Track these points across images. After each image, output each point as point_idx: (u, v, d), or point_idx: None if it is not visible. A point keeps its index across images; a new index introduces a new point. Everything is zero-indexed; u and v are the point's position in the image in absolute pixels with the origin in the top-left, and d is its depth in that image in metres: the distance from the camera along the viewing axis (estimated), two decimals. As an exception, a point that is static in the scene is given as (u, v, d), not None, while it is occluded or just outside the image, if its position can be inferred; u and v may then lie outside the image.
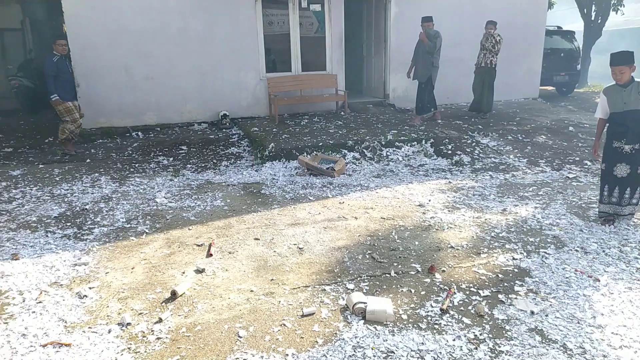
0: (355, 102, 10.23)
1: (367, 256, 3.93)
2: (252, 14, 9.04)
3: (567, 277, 3.55)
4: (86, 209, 5.09)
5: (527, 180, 6.02)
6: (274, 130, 8.21)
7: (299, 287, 3.45)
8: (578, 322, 3.00)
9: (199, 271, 3.70)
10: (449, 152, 7.15)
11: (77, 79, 8.39)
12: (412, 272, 3.66)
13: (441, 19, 9.82)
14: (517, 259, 3.86)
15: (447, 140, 7.49)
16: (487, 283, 3.50)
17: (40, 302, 3.27)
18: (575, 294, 3.32)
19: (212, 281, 3.56)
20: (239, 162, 7.02)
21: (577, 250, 4.00)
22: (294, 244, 4.18)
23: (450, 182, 5.98)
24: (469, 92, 10.04)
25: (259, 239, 4.30)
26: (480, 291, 3.38)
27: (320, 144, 7.16)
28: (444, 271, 3.68)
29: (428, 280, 3.54)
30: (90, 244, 4.22)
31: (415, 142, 7.35)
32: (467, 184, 5.87)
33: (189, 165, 6.81)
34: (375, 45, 10.77)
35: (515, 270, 3.70)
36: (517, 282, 3.51)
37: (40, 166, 6.81)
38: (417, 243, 4.18)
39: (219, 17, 8.86)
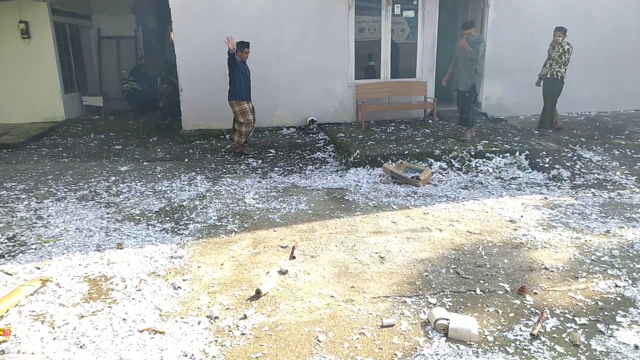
0: (444, 110, 9.96)
1: (451, 271, 3.81)
2: (344, 22, 9.15)
3: (681, 312, 3.17)
4: (183, 205, 5.47)
5: (636, 200, 5.47)
6: (360, 136, 8.24)
7: (379, 297, 3.43)
8: (694, 365, 2.67)
9: (282, 272, 3.81)
10: (546, 165, 6.70)
11: (181, 84, 9.06)
12: (500, 292, 3.48)
13: (543, 26, 9.27)
14: (620, 287, 3.52)
15: (544, 152, 7.03)
16: (584, 310, 3.23)
17: (139, 290, 3.57)
18: (691, 332, 2.96)
19: (294, 283, 3.65)
20: (324, 167, 7.13)
21: (695, 283, 3.56)
22: (376, 253, 4.16)
23: (546, 197, 5.61)
24: (567, 102, 9.39)
25: (340, 245, 4.33)
26: (577, 318, 3.12)
27: (406, 152, 7.06)
28: (535, 293, 3.45)
29: (517, 301, 3.35)
30: (185, 239, 4.52)
31: (508, 154, 6.98)
32: (566, 201, 5.46)
33: (276, 168, 7.05)
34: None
35: (618, 298, 3.37)
36: (619, 311, 3.20)
37: (145, 163, 7.43)
38: (506, 261, 3.97)
39: (312, 26, 9.09)
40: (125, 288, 3.59)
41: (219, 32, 8.83)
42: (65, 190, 6.08)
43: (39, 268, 3.92)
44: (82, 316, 3.22)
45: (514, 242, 4.36)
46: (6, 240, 4.51)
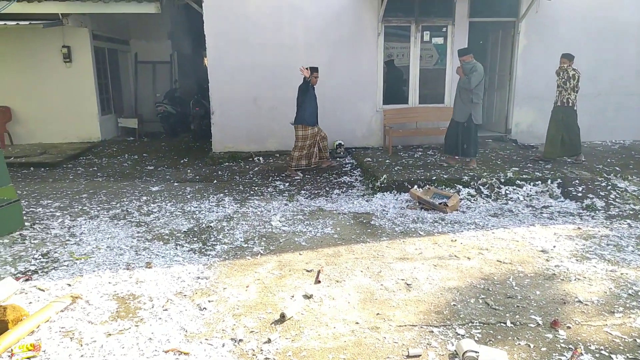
0: (473, 136, 9.85)
1: (481, 301, 3.71)
2: (373, 48, 9.27)
3: None
4: (211, 226, 5.54)
5: (677, 232, 5.25)
6: (387, 161, 8.22)
7: (405, 325, 3.36)
8: None
9: (307, 297, 3.79)
10: (579, 194, 6.52)
11: (213, 107, 9.29)
12: (532, 325, 3.36)
13: (575, 53, 9.18)
14: (661, 324, 3.36)
15: (577, 181, 6.85)
16: (621, 347, 3.08)
17: (166, 309, 3.60)
18: None
19: (319, 308, 3.62)
20: (350, 191, 7.13)
21: None
22: (402, 279, 4.10)
23: (579, 228, 5.44)
24: (601, 130, 9.20)
25: (366, 271, 4.29)
26: (613, 356, 2.98)
27: (434, 177, 7.00)
28: (569, 328, 3.32)
29: (550, 335, 3.23)
30: (212, 260, 4.57)
31: (540, 182, 6.83)
32: (600, 232, 5.28)
33: (302, 192, 7.08)
34: (498, 78, 10.35)
35: (659, 337, 3.21)
36: (660, 351, 3.05)
37: (175, 184, 7.59)
38: (538, 293, 3.85)
39: (342, 52, 9.23)
40: (153, 307, 3.63)
41: (251, 58, 9.09)
42: (99, 208, 6.25)
43: (70, 285, 4.01)
44: (110, 334, 3.26)
45: (546, 273, 4.23)
46: (40, 257, 4.64)
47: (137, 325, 3.37)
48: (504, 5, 9.40)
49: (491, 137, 10.00)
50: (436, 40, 9.57)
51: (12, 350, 3.04)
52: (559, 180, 6.84)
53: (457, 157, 7.82)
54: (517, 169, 7.41)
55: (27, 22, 9.43)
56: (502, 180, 6.86)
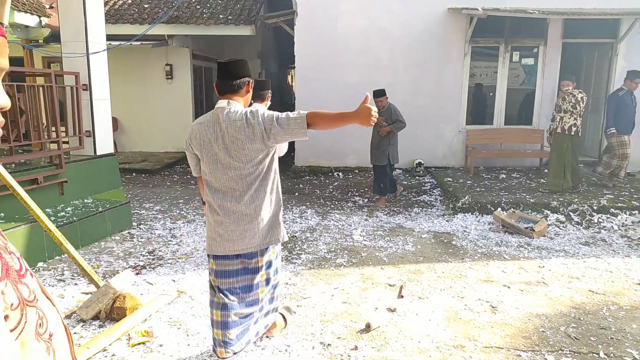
0: (562, 160, 9.45)
1: (571, 330, 3.62)
2: (459, 68, 9.26)
3: None
4: (295, 236, 5.82)
5: None
6: (468, 182, 8.13)
7: (492, 347, 3.37)
8: None
9: (391, 310, 3.90)
10: (683, 227, 6.07)
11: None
12: (627, 358, 3.24)
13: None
14: None
15: (680, 213, 6.38)
16: None
17: (259, 310, 3.88)
18: None
19: (403, 322, 3.72)
20: (430, 210, 7.14)
21: None
22: (487, 302, 4.09)
23: (682, 263, 5.08)
24: None
25: (449, 289, 4.32)
26: None
27: (519, 201, 6.83)
28: (670, 365, 3.16)
29: (648, 371, 3.09)
30: (298, 267, 4.82)
31: (637, 211, 6.44)
32: None
33: (381, 208, 7.19)
34: (592, 101, 9.87)
35: None
36: None
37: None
38: (634, 326, 3.68)
39: (426, 72, 9.32)
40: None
41: (337, 77, 9.45)
42: (194, 214, 6.78)
43: (174, 281, 4.43)
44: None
45: (643, 307, 4.02)
46: (147, 254, 5.16)
47: (234, 322, 3.66)
48: (602, 26, 9.02)
49: (583, 162, 9.50)
50: (526, 61, 9.38)
51: (129, 334, 3.44)
52: (660, 211, 6.41)
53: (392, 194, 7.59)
54: (612, 196, 7.04)
55: (139, 43, 10.47)
56: (595, 207, 6.55)
